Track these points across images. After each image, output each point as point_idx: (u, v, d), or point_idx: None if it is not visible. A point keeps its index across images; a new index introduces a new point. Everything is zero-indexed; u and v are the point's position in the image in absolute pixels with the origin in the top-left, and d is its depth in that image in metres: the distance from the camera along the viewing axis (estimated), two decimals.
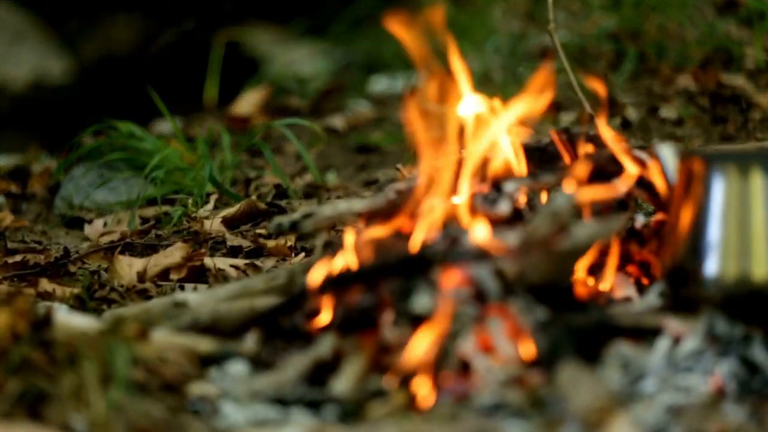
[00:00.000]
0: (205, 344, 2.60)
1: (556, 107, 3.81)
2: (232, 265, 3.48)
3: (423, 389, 2.36)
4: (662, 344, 2.45)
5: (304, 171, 4.39)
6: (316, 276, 2.62)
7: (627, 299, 2.75)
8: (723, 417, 2.28)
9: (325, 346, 2.52)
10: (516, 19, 5.37)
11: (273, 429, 2.33)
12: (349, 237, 2.70)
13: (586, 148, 2.81)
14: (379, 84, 5.53)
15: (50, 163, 4.64)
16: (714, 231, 2.47)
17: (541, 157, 2.84)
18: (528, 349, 2.39)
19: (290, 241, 3.56)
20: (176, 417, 2.37)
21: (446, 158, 2.77)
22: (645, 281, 2.80)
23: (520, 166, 2.80)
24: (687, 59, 4.71)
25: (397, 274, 2.44)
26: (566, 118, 4.24)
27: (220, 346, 2.60)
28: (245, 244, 3.66)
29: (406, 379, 2.38)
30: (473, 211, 2.67)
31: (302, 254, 3.50)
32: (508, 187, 2.75)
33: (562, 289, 2.47)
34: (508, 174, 2.78)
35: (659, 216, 2.82)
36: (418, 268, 2.42)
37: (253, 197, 4.00)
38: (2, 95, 6.46)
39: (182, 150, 4.19)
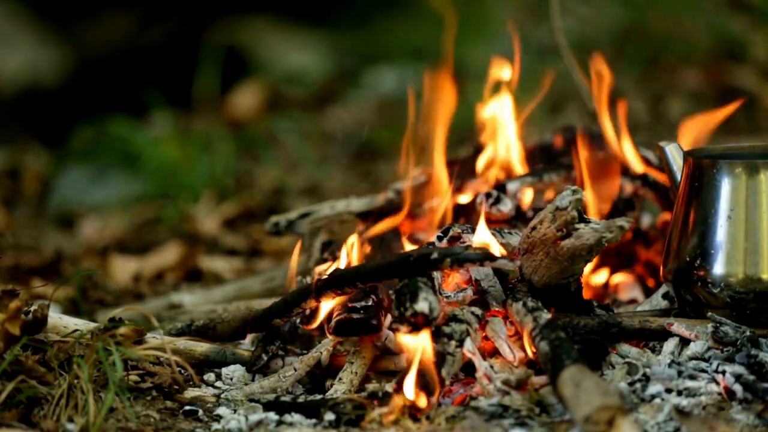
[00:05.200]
0: (201, 347, 2.58)
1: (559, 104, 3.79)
2: (228, 266, 3.46)
3: (424, 392, 2.32)
4: (668, 347, 2.43)
5: (302, 168, 4.36)
6: (314, 277, 2.58)
7: (633, 301, 2.72)
8: (730, 420, 2.25)
9: (323, 349, 2.49)
10: (523, 11, 5.34)
11: None
12: (347, 237, 2.67)
13: (590, 147, 2.79)
14: (381, 76, 5.48)
15: (43, 161, 4.61)
16: (721, 231, 2.44)
17: (545, 156, 2.81)
18: (532, 351, 2.36)
19: (287, 241, 3.53)
20: (172, 421, 2.35)
21: (448, 158, 2.75)
22: (651, 282, 2.78)
23: (524, 165, 2.78)
24: (694, 56, 4.69)
25: (398, 275, 2.41)
26: (570, 116, 4.21)
27: (216, 349, 2.58)
28: (241, 244, 3.64)
29: (407, 383, 2.35)
30: (476, 210, 2.64)
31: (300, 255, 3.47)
32: (512, 186, 2.72)
33: (568, 291, 2.43)
34: (511, 173, 2.76)
35: (665, 216, 2.80)
36: (420, 269, 2.38)
37: (250, 195, 3.97)
38: None
39: (177, 147, 4.16)
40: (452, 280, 2.47)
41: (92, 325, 2.57)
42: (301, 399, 2.38)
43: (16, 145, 5.00)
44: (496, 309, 2.45)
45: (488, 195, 2.69)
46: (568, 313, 2.43)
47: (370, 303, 2.45)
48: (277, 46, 6.39)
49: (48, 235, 3.98)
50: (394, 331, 2.42)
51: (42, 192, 4.35)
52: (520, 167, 2.80)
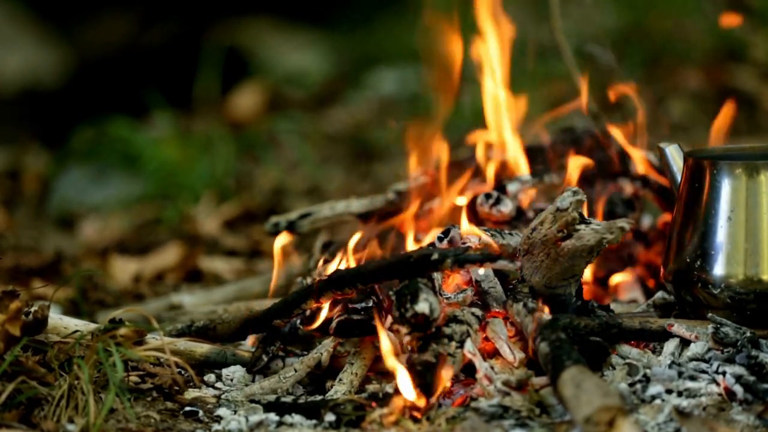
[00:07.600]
0: (201, 348, 2.58)
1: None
2: (228, 267, 3.45)
3: (424, 393, 2.32)
4: (669, 348, 2.43)
5: (302, 169, 4.36)
6: (314, 278, 2.58)
7: (633, 302, 2.72)
8: (730, 421, 2.25)
9: (323, 350, 2.49)
10: (522, 11, 5.33)
11: None
12: (348, 238, 2.67)
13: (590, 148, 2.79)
14: (381, 77, 5.47)
15: (43, 161, 4.61)
16: (721, 232, 2.43)
17: (545, 157, 2.81)
18: (532, 352, 2.35)
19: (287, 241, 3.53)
20: (172, 422, 2.34)
21: (448, 158, 2.75)
22: (651, 283, 2.77)
23: (524, 166, 2.78)
24: (694, 57, 4.68)
25: (398, 275, 2.40)
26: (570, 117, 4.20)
27: (216, 350, 2.57)
28: (242, 244, 3.63)
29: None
30: (476, 211, 2.63)
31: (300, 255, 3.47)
32: (512, 187, 2.72)
33: (568, 292, 2.43)
34: (511, 174, 2.76)
35: (665, 217, 2.79)
36: (420, 269, 2.38)
37: (250, 196, 3.97)
38: None
39: (177, 148, 4.16)
40: (452, 281, 2.47)
41: (92, 325, 2.56)
42: (301, 400, 2.38)
43: (16, 145, 5.00)
44: (497, 310, 2.44)
45: (488, 196, 2.69)
46: (569, 313, 2.42)
47: (370, 304, 2.45)
48: (277, 47, 6.38)
49: (48, 235, 3.97)
50: (395, 332, 2.42)
51: (42, 192, 4.34)
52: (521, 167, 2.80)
